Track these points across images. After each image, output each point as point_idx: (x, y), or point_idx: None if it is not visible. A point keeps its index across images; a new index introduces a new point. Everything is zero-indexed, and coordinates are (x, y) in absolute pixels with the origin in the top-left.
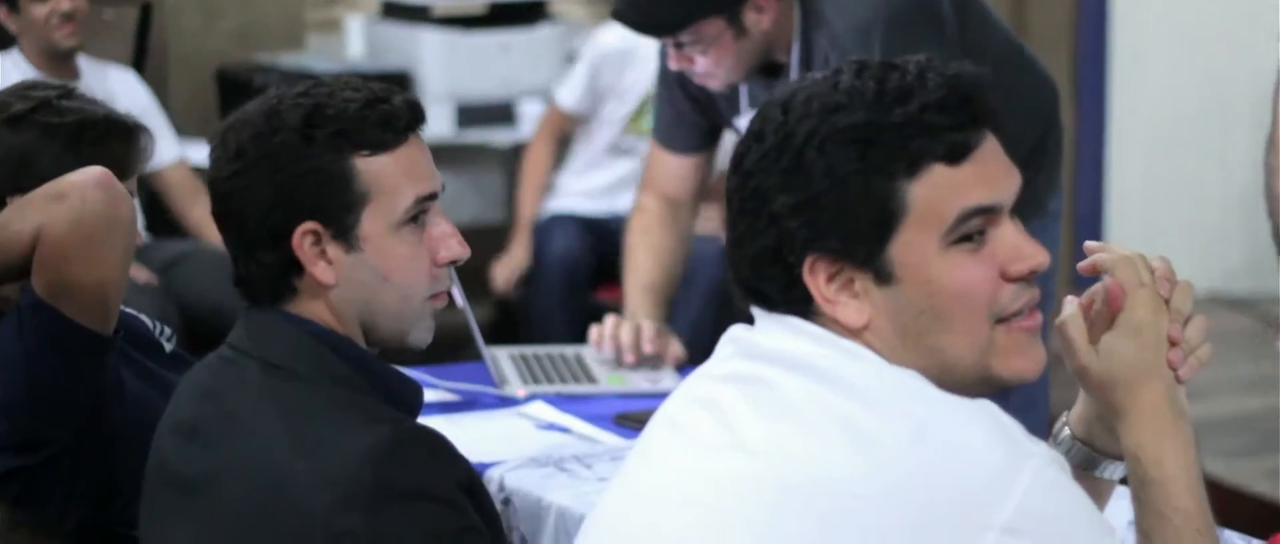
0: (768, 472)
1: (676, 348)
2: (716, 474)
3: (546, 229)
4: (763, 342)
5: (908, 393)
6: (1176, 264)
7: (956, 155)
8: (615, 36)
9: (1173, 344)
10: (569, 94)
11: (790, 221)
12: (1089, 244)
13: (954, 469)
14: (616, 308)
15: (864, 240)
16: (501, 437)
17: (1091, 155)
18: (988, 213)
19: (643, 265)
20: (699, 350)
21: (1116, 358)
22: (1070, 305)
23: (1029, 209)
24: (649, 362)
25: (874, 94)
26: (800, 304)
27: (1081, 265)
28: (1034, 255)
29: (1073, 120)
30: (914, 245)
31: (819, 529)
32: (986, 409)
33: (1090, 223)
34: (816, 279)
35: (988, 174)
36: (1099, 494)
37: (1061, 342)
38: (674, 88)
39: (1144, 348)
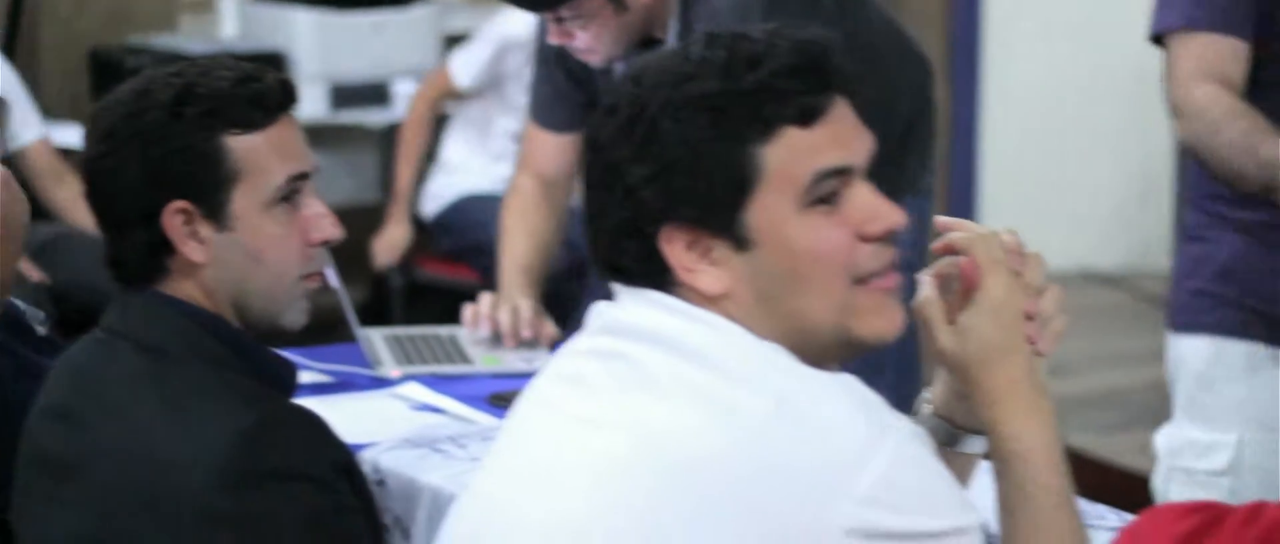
0: (628, 446)
1: (550, 327)
2: (578, 450)
3: (480, 211)
4: (623, 317)
5: (768, 365)
6: (1048, 241)
7: (808, 117)
8: (522, 24)
9: (1029, 318)
10: (465, 71)
11: (645, 192)
12: (941, 220)
13: (813, 441)
14: (560, 289)
15: (720, 207)
16: (375, 418)
17: (964, 134)
18: (842, 174)
19: (519, 246)
20: None
21: (974, 337)
22: (926, 286)
23: (903, 187)
24: (524, 342)
25: (724, 62)
26: (659, 276)
27: (935, 245)
28: (889, 215)
29: (946, 100)
30: (770, 209)
31: (678, 501)
32: (847, 382)
33: (963, 201)
34: (674, 249)
35: (840, 136)
36: (962, 469)
37: (919, 323)
38: (552, 64)
39: (1001, 326)
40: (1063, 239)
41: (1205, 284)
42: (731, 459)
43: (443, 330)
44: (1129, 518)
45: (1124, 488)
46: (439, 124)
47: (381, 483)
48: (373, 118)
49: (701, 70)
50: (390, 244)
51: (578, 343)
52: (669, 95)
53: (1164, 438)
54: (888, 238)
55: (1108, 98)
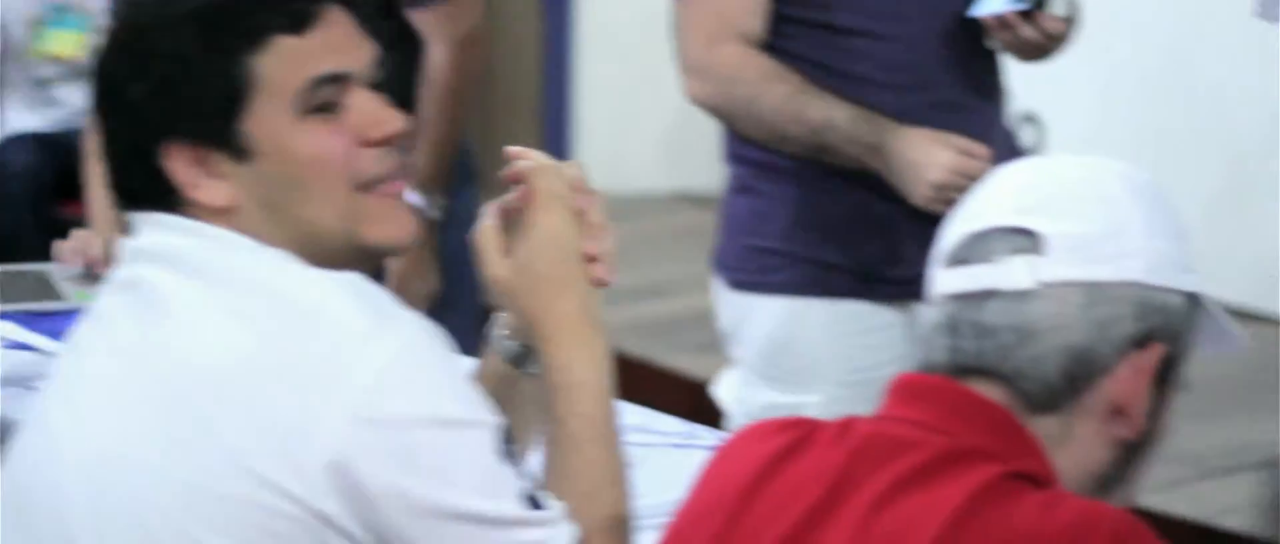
0: (143, 369)
1: None
2: (101, 383)
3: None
4: (136, 244)
5: (272, 270)
6: (644, 164)
7: (298, 25)
8: None
9: (591, 258)
10: None
11: (145, 110)
12: (510, 149)
13: (315, 335)
14: (83, 222)
15: (216, 119)
16: None
17: (557, 59)
18: (338, 80)
19: None
20: None
21: (529, 269)
22: (488, 215)
23: None
24: None
25: None
26: (168, 196)
27: (504, 173)
28: (390, 121)
29: (540, 27)
30: (267, 118)
31: (193, 413)
32: (352, 280)
33: (557, 127)
34: (177, 166)
35: (335, 43)
36: (526, 397)
37: (475, 251)
38: None
39: (552, 259)
40: (656, 161)
41: (770, 241)
42: (240, 365)
43: (32, 267)
44: (723, 436)
45: (717, 409)
46: None
47: None
48: None
49: None
50: None
51: (108, 279)
52: (161, 12)
53: (735, 397)
54: (393, 144)
55: None
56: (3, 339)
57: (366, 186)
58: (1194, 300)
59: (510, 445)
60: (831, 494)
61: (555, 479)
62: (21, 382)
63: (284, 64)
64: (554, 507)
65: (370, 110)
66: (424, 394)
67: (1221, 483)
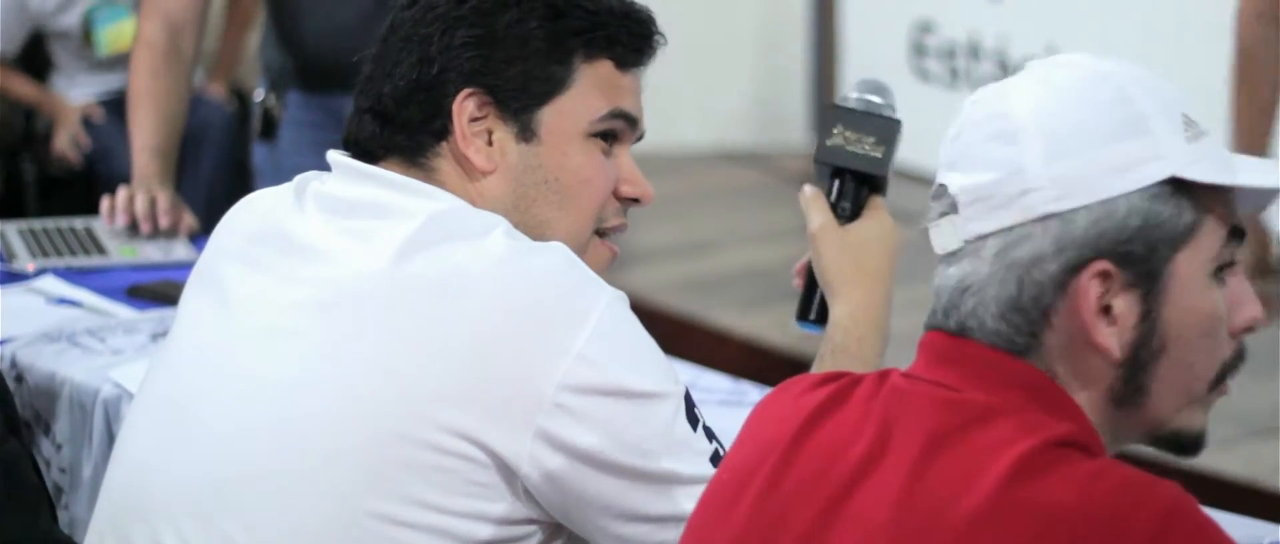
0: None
1: (189, 217)
2: (309, 313)
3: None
4: (349, 194)
5: (496, 223)
6: (684, 119)
7: (626, 64)
8: None
9: None
10: None
11: (464, 53)
12: None
13: (541, 287)
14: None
15: (524, 94)
16: (11, 313)
17: None
18: (631, 123)
19: (149, 121)
20: (212, 215)
21: (855, 251)
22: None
23: None
24: (162, 232)
25: None
26: (434, 137)
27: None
28: (644, 187)
29: None
30: (566, 116)
31: (425, 321)
32: (563, 247)
33: None
34: (462, 113)
35: (638, 93)
36: None
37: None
38: None
39: (881, 255)
40: (695, 116)
41: None
42: (476, 286)
43: (78, 222)
44: (768, 390)
45: (763, 365)
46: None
47: (20, 379)
48: None
49: None
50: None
51: (281, 217)
52: None
53: None
54: (629, 207)
55: None
56: (48, 295)
57: (601, 229)
58: (1155, 189)
59: (696, 409)
60: (870, 453)
61: None
62: (68, 337)
63: (600, 82)
64: None
65: (632, 167)
66: (621, 364)
67: (1274, 442)
